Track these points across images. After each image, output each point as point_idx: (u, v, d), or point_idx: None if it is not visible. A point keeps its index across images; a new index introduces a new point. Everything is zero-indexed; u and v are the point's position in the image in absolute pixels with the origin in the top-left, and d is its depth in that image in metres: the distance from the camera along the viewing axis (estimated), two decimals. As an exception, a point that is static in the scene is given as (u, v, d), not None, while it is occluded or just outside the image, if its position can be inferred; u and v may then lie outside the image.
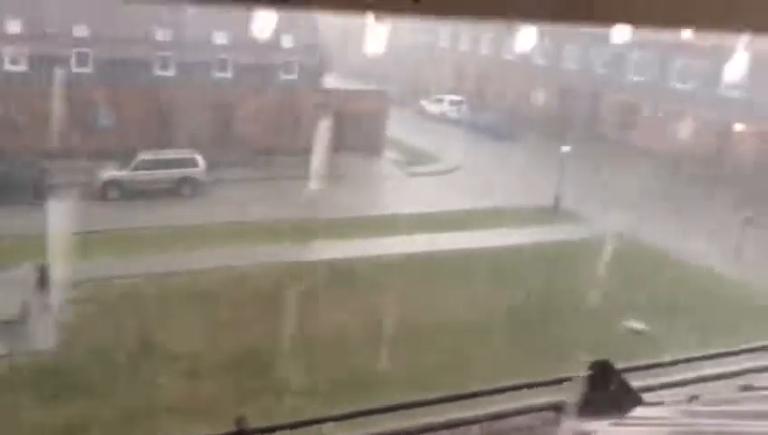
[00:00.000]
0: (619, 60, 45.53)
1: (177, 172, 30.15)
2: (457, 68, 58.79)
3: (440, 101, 52.66)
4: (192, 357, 17.08)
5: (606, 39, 45.46)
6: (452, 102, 52.03)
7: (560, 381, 3.25)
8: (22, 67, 31.76)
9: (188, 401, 15.29)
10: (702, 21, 0.99)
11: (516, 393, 3.19)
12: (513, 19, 0.96)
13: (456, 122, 50.01)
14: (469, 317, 19.89)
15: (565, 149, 30.87)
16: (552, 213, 30.85)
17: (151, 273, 21.59)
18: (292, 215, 28.12)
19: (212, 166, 31.44)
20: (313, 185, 33.04)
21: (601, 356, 3.35)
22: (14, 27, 31.71)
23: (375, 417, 3.01)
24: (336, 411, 2.97)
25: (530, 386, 3.32)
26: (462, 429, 3.06)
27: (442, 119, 51.10)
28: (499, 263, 24.36)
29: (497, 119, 48.13)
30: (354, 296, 20.89)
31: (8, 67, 31.59)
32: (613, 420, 2.71)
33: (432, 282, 22.35)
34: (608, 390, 3.12)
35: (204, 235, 25.38)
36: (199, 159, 30.91)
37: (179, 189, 30.07)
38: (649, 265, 24.92)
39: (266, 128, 36.73)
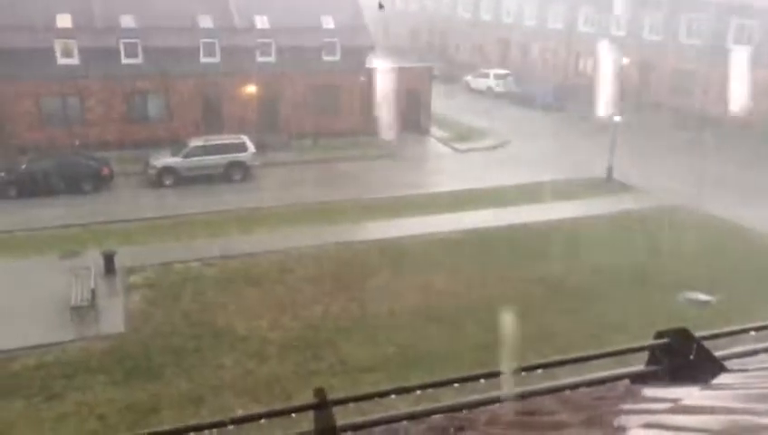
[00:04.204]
0: (676, 23, 43.88)
1: (227, 157, 30.65)
2: (502, 40, 57.75)
3: (485, 75, 51.90)
4: (254, 338, 17.47)
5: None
6: (497, 76, 51.21)
7: (636, 350, 3.20)
8: (74, 60, 32.64)
9: (253, 380, 15.68)
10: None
11: (589, 364, 3.15)
12: None
13: (503, 96, 49.26)
14: (533, 291, 19.76)
15: (617, 118, 30.08)
16: (606, 184, 30.22)
17: (209, 256, 22.10)
18: (341, 196, 28.30)
19: (260, 150, 31.83)
20: (364, 165, 33.15)
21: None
22: (64, 21, 32.56)
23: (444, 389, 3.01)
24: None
25: (604, 356, 3.27)
26: (538, 399, 3.03)
27: (488, 93, 50.40)
28: (557, 236, 24.06)
29: (545, 91, 47.18)
30: (415, 275, 20.94)
31: (61, 60, 32.49)
32: (699, 387, 2.65)
33: (493, 258, 22.22)
34: (688, 358, 3.05)
35: (257, 218, 25.80)
36: (248, 143, 31.33)
37: (230, 174, 30.59)
38: (709, 235, 24.19)
39: (311, 110, 36.91)
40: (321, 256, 22.36)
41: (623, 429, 2.03)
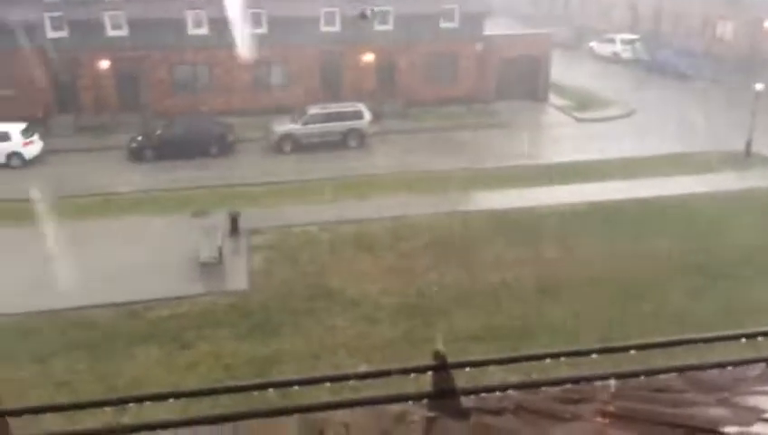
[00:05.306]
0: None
1: (344, 125, 31.24)
2: (630, 4, 54.44)
3: (611, 40, 49.28)
4: (367, 301, 17.94)
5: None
6: (624, 42, 48.47)
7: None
8: (204, 30, 34.28)
9: (365, 342, 16.16)
10: None
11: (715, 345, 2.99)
12: None
13: (630, 63, 46.65)
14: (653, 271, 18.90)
15: (759, 87, 27.66)
16: (743, 159, 28.02)
17: (326, 221, 22.79)
18: (455, 165, 28.10)
19: (376, 117, 32.14)
20: (479, 134, 32.69)
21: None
22: (197, -6, 34.19)
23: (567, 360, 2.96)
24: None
25: (737, 337, 3.08)
26: (662, 377, 2.91)
27: (614, 59, 47.91)
28: (685, 212, 22.75)
29: (676, 57, 44.17)
30: (527, 247, 20.60)
31: (192, 31, 34.21)
32: None
33: (616, 232, 21.43)
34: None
35: (372, 185, 26.22)
36: (365, 111, 31.74)
37: (346, 141, 31.19)
38: None
39: (428, 78, 36.72)
40: (433, 224, 22.44)
41: (760, 410, 1.93)
